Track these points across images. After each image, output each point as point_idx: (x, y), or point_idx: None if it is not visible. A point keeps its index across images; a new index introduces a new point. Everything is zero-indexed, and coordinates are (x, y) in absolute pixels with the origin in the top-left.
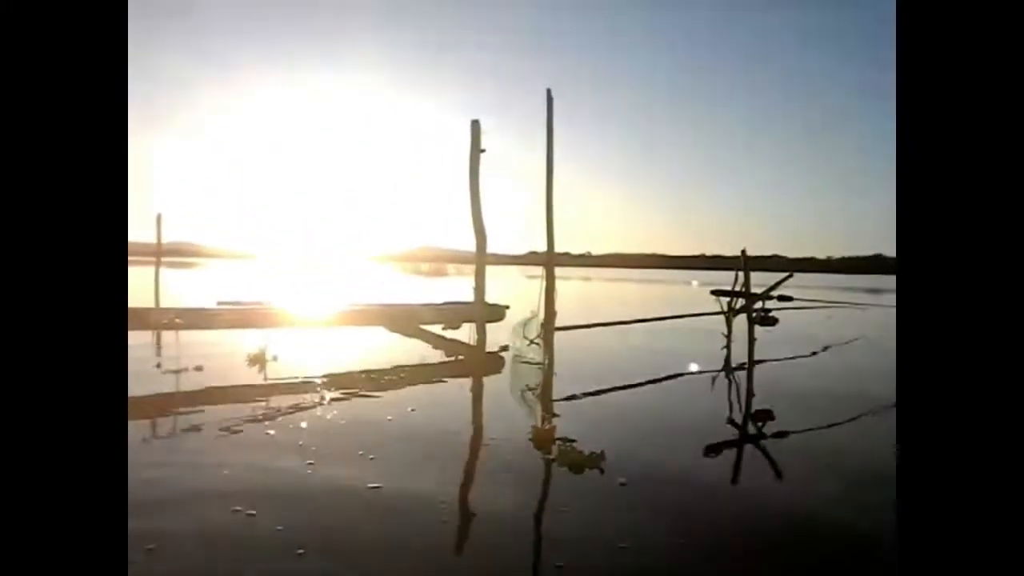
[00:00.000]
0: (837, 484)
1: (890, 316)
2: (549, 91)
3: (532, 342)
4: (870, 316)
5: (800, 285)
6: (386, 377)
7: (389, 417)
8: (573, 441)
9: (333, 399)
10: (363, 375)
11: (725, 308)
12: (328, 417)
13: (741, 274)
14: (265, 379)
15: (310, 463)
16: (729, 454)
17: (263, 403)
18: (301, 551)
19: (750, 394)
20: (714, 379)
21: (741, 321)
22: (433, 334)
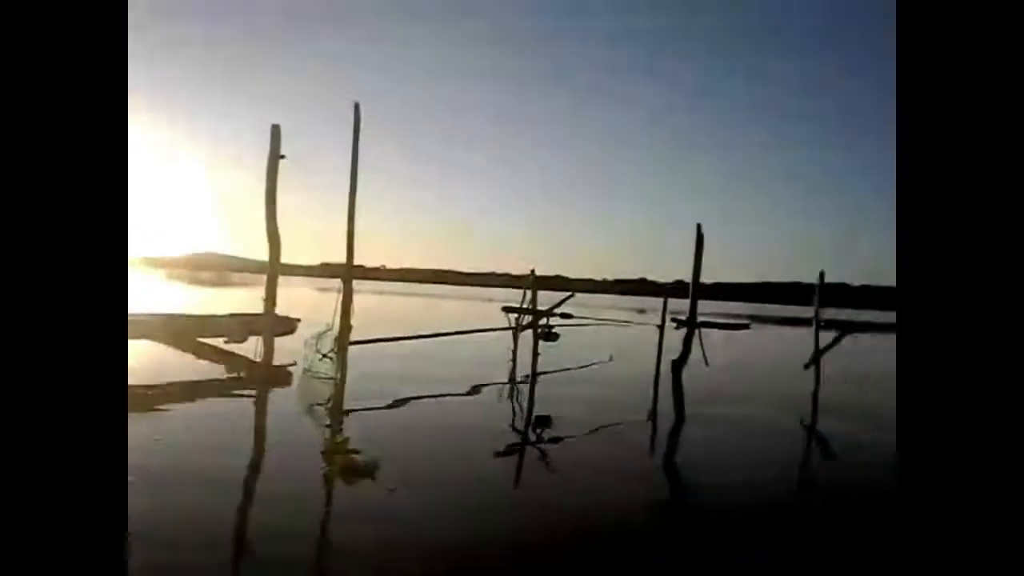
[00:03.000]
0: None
1: (651, 332)
2: (357, 105)
3: (325, 356)
4: (636, 332)
5: (579, 304)
6: (152, 393)
7: (157, 437)
8: (357, 452)
9: None
10: (129, 392)
11: (513, 324)
12: None
13: (530, 292)
14: None
15: None
16: (508, 460)
17: None
18: None
19: (531, 404)
20: (500, 390)
21: (527, 336)
22: (214, 347)
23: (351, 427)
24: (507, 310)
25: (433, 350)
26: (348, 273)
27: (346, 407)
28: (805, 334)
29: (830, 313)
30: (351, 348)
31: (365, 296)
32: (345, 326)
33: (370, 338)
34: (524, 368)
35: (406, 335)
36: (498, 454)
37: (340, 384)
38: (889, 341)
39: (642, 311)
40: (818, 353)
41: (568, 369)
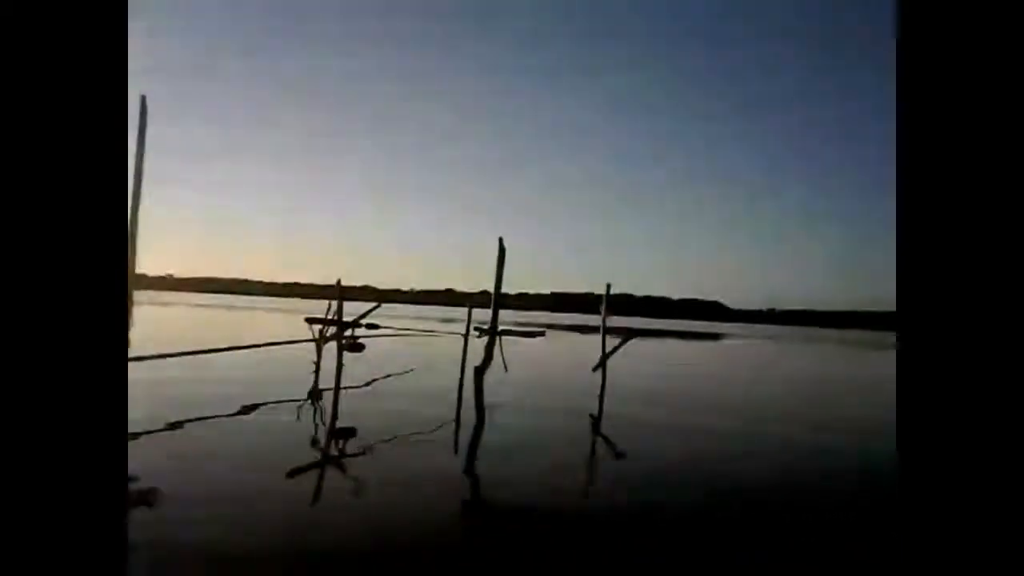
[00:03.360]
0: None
1: (457, 341)
2: (143, 98)
3: None
4: (443, 342)
5: (388, 315)
6: None
7: None
8: (132, 479)
9: None
10: None
11: (317, 335)
12: None
13: (335, 303)
14: None
15: None
16: (306, 476)
17: None
18: None
19: (334, 417)
20: (300, 405)
21: (332, 348)
22: None
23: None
24: (311, 321)
25: (226, 366)
26: (128, 281)
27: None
28: (595, 340)
29: (616, 321)
30: (131, 365)
31: (149, 308)
32: None
33: (151, 354)
34: (329, 381)
35: (194, 349)
36: (294, 471)
37: None
38: (665, 344)
39: (449, 320)
40: (605, 357)
41: (373, 380)
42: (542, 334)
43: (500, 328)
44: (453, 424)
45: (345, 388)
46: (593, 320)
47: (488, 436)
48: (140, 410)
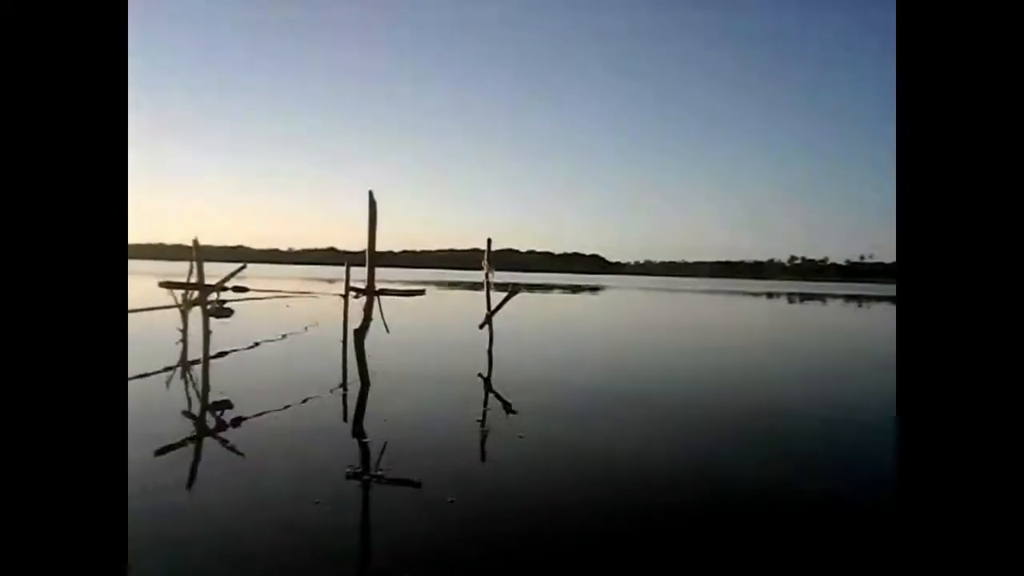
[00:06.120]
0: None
1: (338, 302)
2: None
3: None
4: (325, 303)
5: (265, 276)
6: None
7: None
8: None
9: None
10: None
11: (180, 301)
12: None
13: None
14: None
15: None
16: (179, 452)
17: None
18: None
19: (206, 387)
20: (169, 377)
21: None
22: None
23: None
24: (166, 285)
25: None
26: None
27: None
28: (480, 296)
29: (500, 276)
30: None
31: None
32: None
33: None
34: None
35: None
36: (162, 449)
37: None
38: (549, 297)
39: (332, 281)
40: (490, 313)
41: (249, 347)
42: (422, 292)
43: (378, 288)
44: (340, 391)
45: (256, 344)
46: (479, 276)
47: (373, 399)
48: None
